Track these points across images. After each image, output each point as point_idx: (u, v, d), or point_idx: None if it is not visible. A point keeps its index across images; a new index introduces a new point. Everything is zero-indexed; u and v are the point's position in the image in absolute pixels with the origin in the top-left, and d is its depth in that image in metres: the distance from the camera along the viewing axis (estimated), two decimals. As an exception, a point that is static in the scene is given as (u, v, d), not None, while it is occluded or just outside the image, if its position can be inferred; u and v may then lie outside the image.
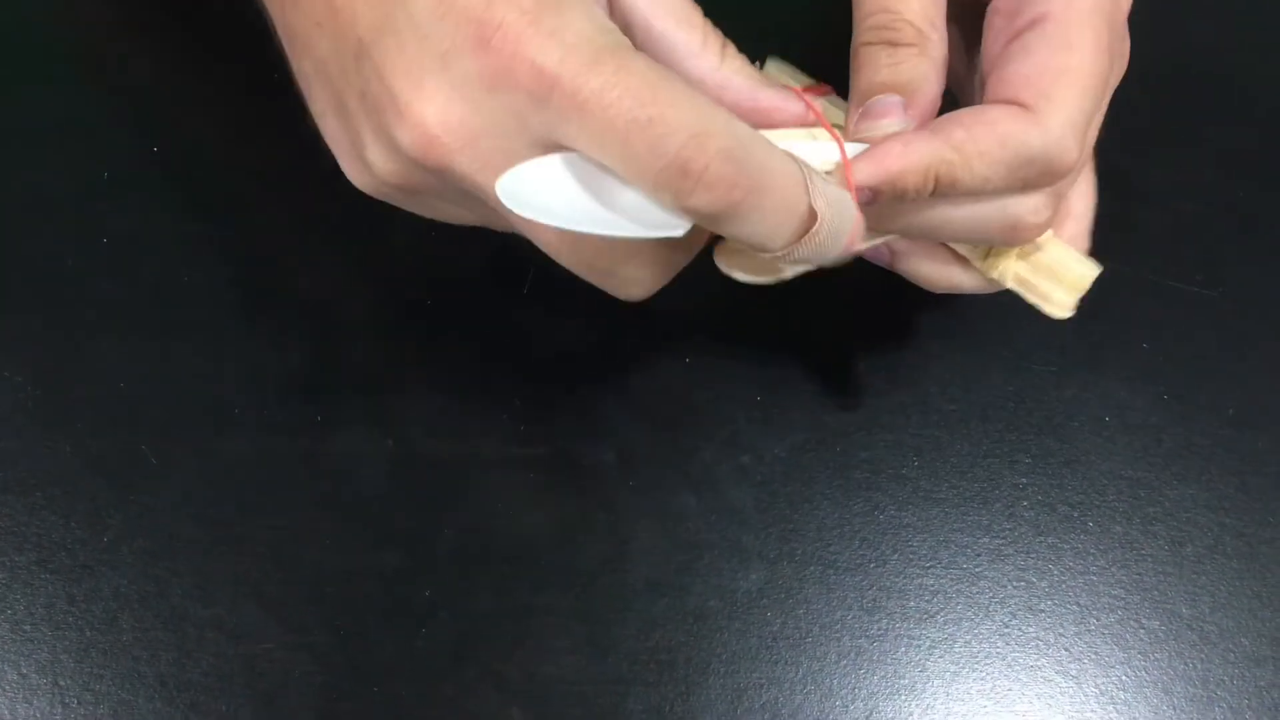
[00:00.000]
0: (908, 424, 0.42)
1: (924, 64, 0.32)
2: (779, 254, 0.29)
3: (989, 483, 0.42)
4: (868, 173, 0.30)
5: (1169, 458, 0.42)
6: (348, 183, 0.33)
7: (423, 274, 0.43)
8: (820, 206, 0.29)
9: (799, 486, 0.41)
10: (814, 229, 0.29)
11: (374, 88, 0.29)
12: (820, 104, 0.34)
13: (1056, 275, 0.36)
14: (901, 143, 0.30)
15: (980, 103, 0.33)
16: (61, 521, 0.39)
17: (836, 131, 0.32)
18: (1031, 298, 0.36)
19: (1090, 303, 0.44)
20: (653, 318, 0.43)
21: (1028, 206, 0.33)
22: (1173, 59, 0.51)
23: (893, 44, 0.32)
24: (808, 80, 0.36)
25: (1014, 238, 0.34)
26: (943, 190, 0.31)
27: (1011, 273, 0.36)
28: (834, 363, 0.43)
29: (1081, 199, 0.36)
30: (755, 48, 0.34)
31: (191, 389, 0.41)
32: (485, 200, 0.30)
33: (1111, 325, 0.44)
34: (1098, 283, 0.45)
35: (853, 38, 0.33)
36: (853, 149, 0.32)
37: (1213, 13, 0.52)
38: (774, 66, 0.36)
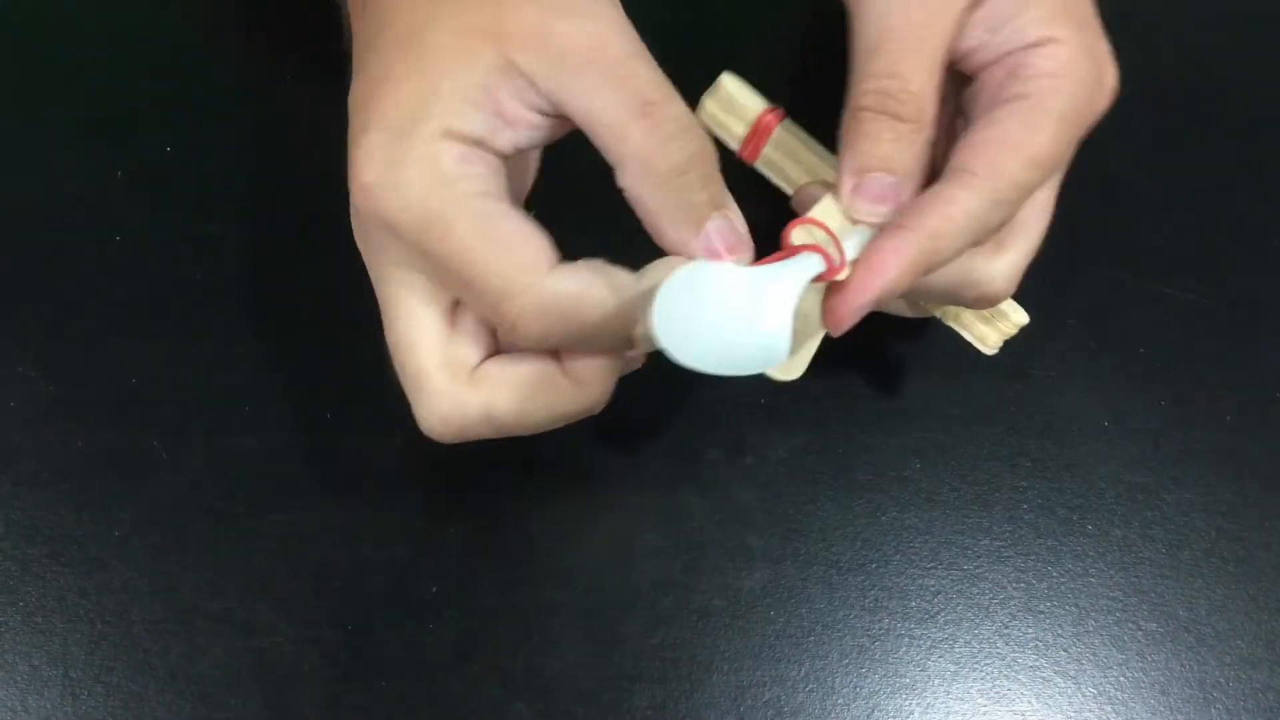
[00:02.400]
0: (910, 427, 0.43)
1: (920, 146, 0.34)
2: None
3: (990, 486, 0.42)
4: (873, 287, 0.32)
5: (1167, 462, 0.43)
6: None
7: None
8: (638, 332, 0.32)
9: (802, 487, 0.42)
10: (639, 341, 0.32)
11: None
12: (778, 131, 0.36)
13: (993, 320, 0.40)
14: (893, 252, 0.32)
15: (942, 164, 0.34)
16: (74, 515, 0.40)
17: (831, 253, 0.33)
18: (967, 335, 0.40)
19: (1090, 310, 0.45)
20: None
21: (992, 280, 0.36)
22: (1171, 70, 0.51)
23: (897, 118, 0.33)
24: (763, 101, 0.37)
25: (980, 304, 0.37)
26: (925, 274, 0.33)
27: (953, 313, 0.40)
28: (837, 366, 0.44)
29: (1033, 230, 0.37)
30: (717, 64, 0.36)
31: (202, 385, 0.42)
32: None
33: (1110, 332, 0.45)
34: (1098, 288, 0.46)
35: (851, 92, 0.34)
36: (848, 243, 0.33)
37: (1210, 24, 0.53)
38: (730, 82, 0.36)
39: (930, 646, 0.40)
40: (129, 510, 0.40)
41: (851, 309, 0.32)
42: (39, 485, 0.40)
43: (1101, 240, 0.47)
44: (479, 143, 0.32)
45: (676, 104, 0.32)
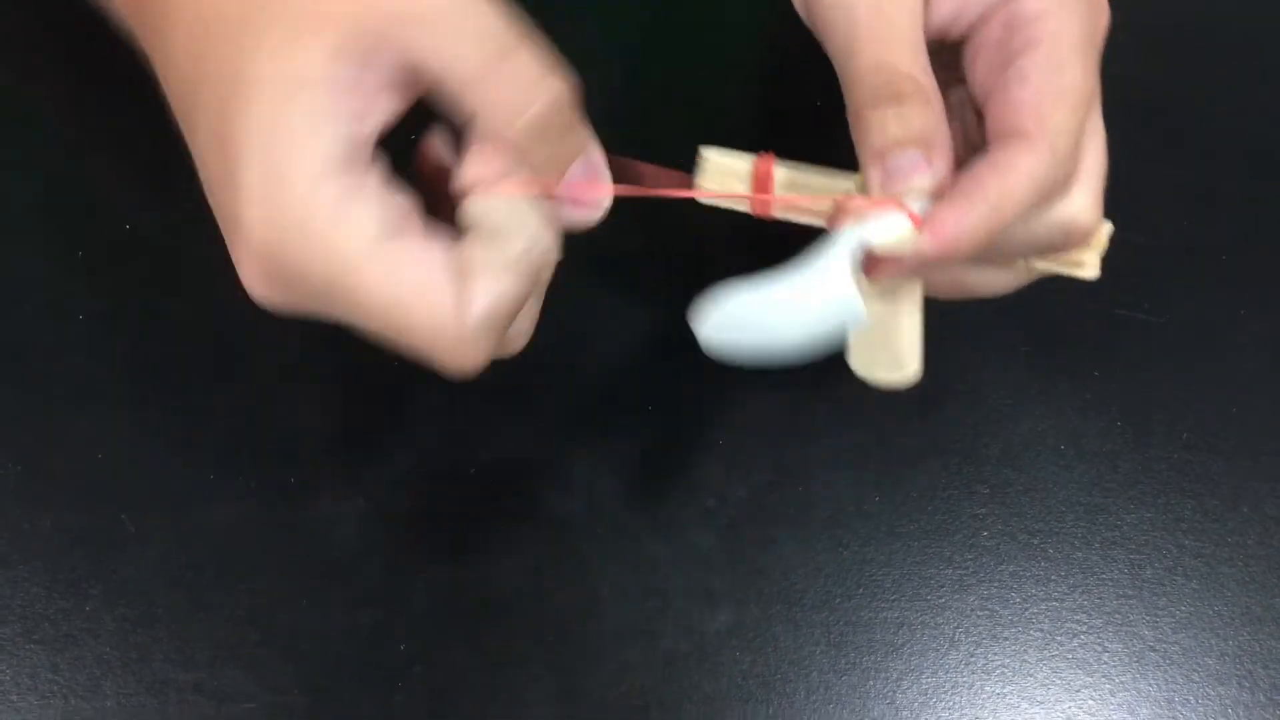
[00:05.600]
0: (867, 461, 0.43)
1: (932, 113, 0.33)
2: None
3: (949, 515, 0.42)
4: (931, 247, 0.32)
5: (1125, 483, 0.43)
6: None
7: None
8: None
9: (763, 527, 0.42)
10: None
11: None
12: (779, 172, 0.35)
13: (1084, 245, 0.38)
14: (953, 216, 0.32)
15: (979, 131, 0.35)
16: (44, 593, 0.40)
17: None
18: (1066, 269, 0.38)
19: (1042, 334, 0.46)
20: (614, 368, 0.44)
21: (1078, 217, 0.36)
22: (1121, 96, 0.52)
23: (898, 99, 0.33)
24: (748, 157, 0.36)
25: (1070, 241, 0.36)
26: (996, 239, 0.33)
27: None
28: (793, 404, 0.44)
29: (1093, 157, 0.37)
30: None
31: (167, 458, 0.42)
32: None
33: (1064, 355, 0.45)
34: (1049, 312, 0.46)
35: (847, 102, 0.34)
36: (880, 225, 0.33)
37: (1160, 50, 0.54)
38: (711, 153, 0.36)
39: (897, 679, 0.40)
40: (98, 585, 0.41)
41: (951, 228, 0.32)
42: (9, 565, 0.41)
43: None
44: (349, 159, 0.30)
45: (525, 53, 0.31)
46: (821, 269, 0.32)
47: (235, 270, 0.33)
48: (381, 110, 0.31)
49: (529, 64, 0.31)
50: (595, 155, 0.33)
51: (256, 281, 0.31)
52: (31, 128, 0.49)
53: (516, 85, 0.31)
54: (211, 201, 0.32)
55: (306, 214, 0.30)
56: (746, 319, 0.32)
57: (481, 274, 0.31)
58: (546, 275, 0.33)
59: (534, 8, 0.33)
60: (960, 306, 0.46)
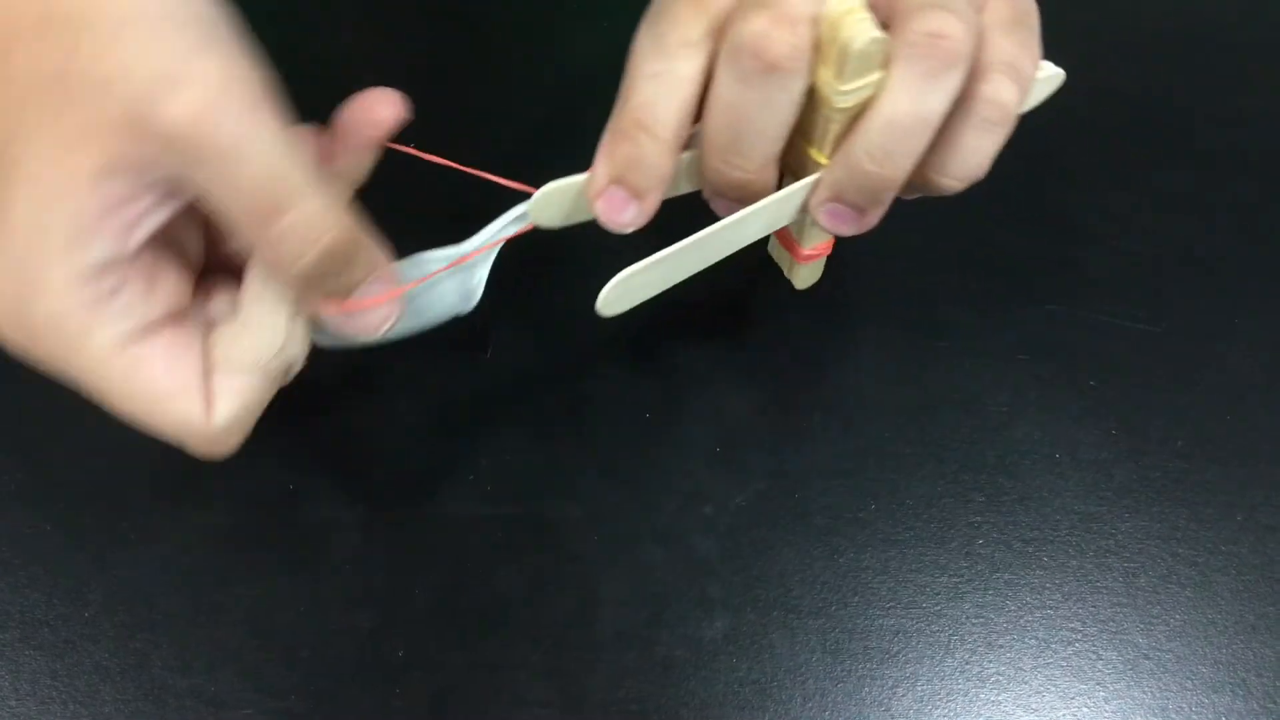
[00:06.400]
0: (864, 469, 0.43)
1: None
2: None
3: (945, 523, 0.43)
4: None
5: (1120, 491, 0.43)
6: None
7: (386, 341, 0.44)
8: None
9: (760, 534, 0.42)
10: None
11: None
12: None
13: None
14: None
15: None
16: (44, 598, 0.41)
17: None
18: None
19: (1038, 343, 0.46)
20: (612, 377, 0.45)
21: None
22: (1118, 107, 0.53)
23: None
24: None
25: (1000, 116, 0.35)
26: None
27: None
28: (790, 413, 0.44)
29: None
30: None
31: (167, 464, 0.42)
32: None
33: (1059, 364, 0.46)
34: (1045, 322, 0.46)
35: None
36: None
37: (1152, 61, 0.54)
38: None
39: (893, 686, 0.40)
40: (98, 591, 0.41)
41: None
42: (9, 570, 0.41)
43: (1047, 274, 0.48)
44: (106, 268, 0.30)
45: (306, 200, 0.30)
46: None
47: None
48: (152, 221, 0.31)
49: (312, 211, 0.30)
50: (386, 272, 0.33)
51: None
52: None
53: (296, 235, 0.30)
54: None
55: (57, 317, 0.30)
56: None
57: (227, 374, 0.32)
58: (293, 372, 0.34)
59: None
60: (957, 315, 0.47)
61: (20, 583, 0.41)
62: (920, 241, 0.48)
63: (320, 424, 0.43)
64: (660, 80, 0.33)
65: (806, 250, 0.41)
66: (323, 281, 0.32)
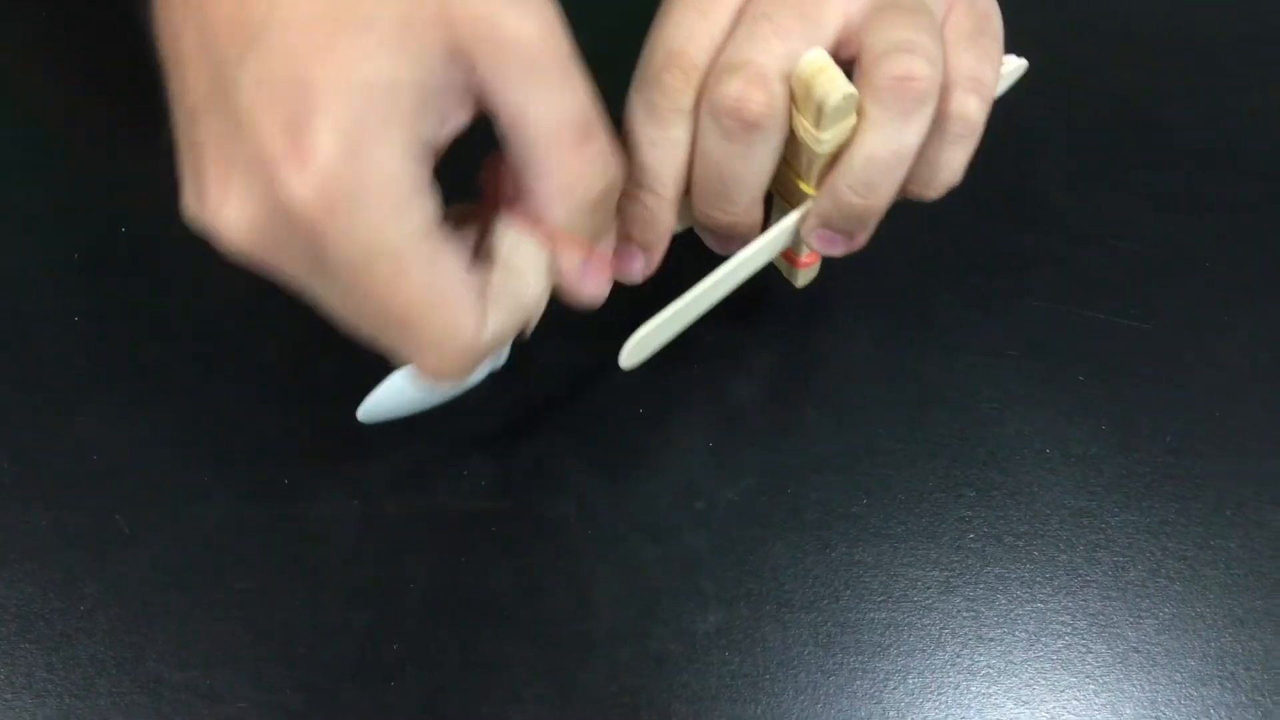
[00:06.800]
0: (856, 464, 0.44)
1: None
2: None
3: (936, 517, 0.43)
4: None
5: (1110, 486, 0.44)
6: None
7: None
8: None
9: (753, 529, 0.42)
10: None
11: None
12: None
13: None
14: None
15: None
16: (39, 593, 0.41)
17: None
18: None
19: (1028, 339, 0.46)
20: (606, 371, 0.45)
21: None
22: (1106, 105, 0.53)
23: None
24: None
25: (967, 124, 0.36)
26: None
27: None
28: (782, 409, 0.45)
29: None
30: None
31: (162, 458, 0.43)
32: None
33: (1050, 360, 0.46)
34: (1036, 318, 0.47)
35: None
36: None
37: (1143, 60, 0.54)
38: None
39: (884, 679, 0.40)
40: (94, 585, 0.41)
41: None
42: (4, 564, 0.41)
43: (1038, 270, 0.48)
44: (429, 151, 0.30)
45: (606, 128, 0.32)
46: None
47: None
48: (456, 121, 0.31)
49: (603, 148, 0.32)
50: (609, 237, 0.36)
51: (247, 222, 0.29)
52: (29, 129, 0.50)
53: (601, 161, 0.32)
54: (211, 123, 0.30)
55: (375, 186, 0.28)
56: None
57: (498, 303, 0.33)
58: (530, 328, 0.36)
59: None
60: (949, 312, 0.47)
61: (16, 577, 0.41)
62: (913, 239, 0.48)
63: (316, 420, 0.44)
64: (658, 147, 0.36)
65: (804, 259, 0.42)
66: (596, 214, 0.33)
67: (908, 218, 0.45)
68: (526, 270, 0.34)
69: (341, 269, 0.29)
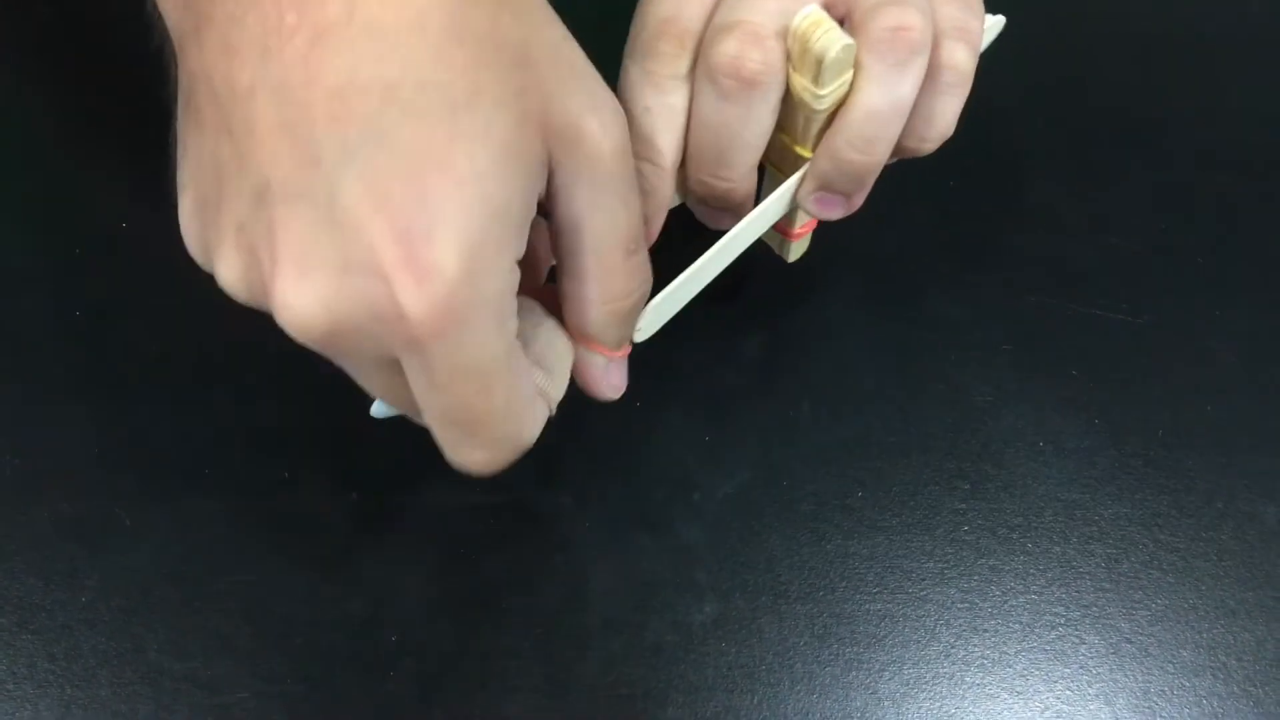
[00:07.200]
0: (851, 457, 0.44)
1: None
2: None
3: (930, 510, 0.43)
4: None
5: (1103, 479, 0.44)
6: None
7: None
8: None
9: (748, 521, 0.43)
10: None
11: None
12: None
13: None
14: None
15: None
16: (41, 584, 0.41)
17: None
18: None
19: (1022, 334, 0.47)
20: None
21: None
22: (1097, 104, 0.53)
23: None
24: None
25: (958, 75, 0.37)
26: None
27: None
28: (778, 402, 0.45)
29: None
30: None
31: (162, 451, 0.43)
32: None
33: (1043, 355, 0.46)
34: (1029, 313, 0.47)
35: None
36: None
37: (1134, 59, 0.55)
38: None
39: (879, 669, 0.41)
40: (94, 576, 0.41)
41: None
42: (6, 557, 0.41)
43: (1031, 267, 0.49)
44: (526, 217, 0.29)
45: (644, 248, 0.34)
46: None
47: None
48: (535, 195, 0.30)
49: (645, 259, 0.34)
50: (626, 349, 0.37)
51: (324, 316, 0.28)
52: (29, 127, 0.50)
53: (629, 281, 0.33)
54: (297, 209, 0.28)
55: (486, 303, 0.28)
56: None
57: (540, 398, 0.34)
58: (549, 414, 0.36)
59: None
60: (944, 307, 0.47)
61: (17, 569, 0.41)
62: (907, 235, 0.49)
63: (313, 413, 0.44)
64: (655, 114, 0.36)
65: (797, 229, 0.42)
66: (628, 323, 0.35)
67: (903, 214, 0.45)
68: (556, 368, 0.35)
69: (436, 376, 0.29)
